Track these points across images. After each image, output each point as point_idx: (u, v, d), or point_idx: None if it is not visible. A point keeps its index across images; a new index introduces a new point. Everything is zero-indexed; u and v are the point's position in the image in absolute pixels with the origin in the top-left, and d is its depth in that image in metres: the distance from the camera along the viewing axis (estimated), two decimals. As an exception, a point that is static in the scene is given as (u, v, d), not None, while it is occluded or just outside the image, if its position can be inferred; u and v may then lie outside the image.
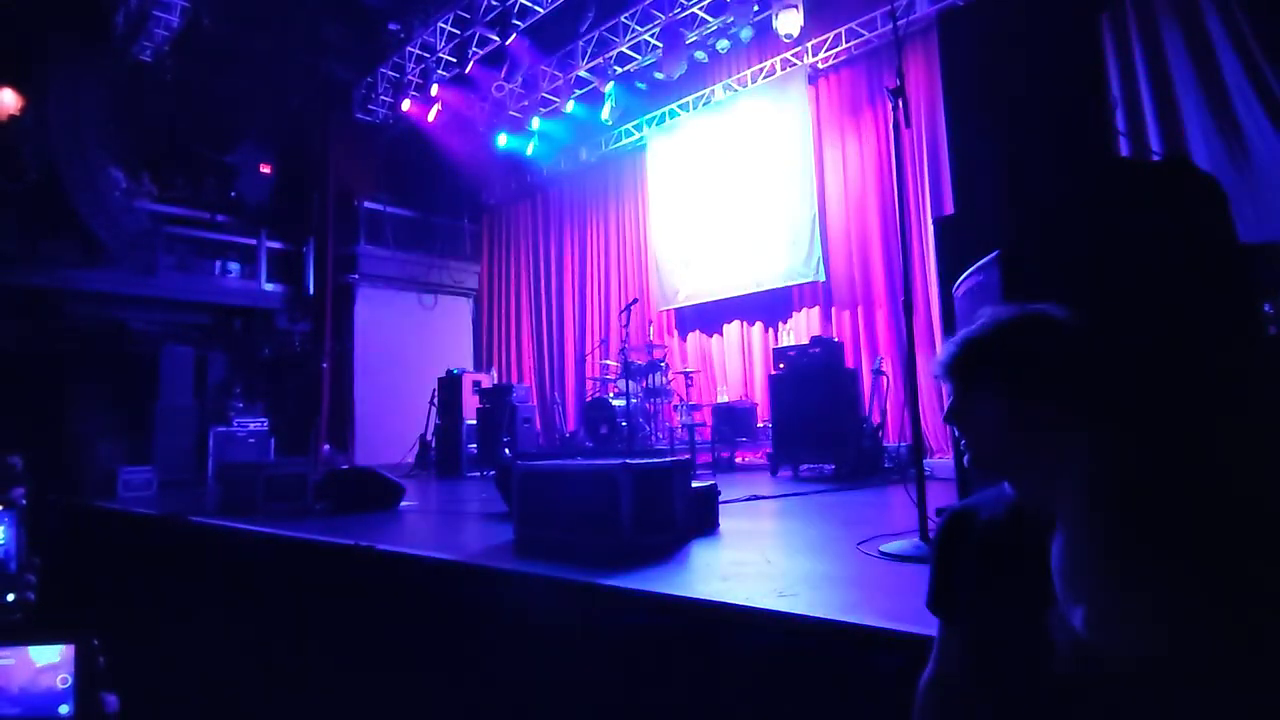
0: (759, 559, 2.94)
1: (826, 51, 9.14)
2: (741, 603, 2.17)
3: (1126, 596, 0.98)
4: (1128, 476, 1.07)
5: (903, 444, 7.08)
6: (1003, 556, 1.16)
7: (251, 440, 9.82)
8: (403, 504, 5.45)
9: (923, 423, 6.60)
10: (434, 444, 9.45)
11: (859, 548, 3.04)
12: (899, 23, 3.67)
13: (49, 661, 1.15)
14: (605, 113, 10.55)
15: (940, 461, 6.51)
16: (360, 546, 3.44)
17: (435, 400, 9.46)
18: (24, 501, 1.37)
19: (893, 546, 2.92)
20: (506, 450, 8.20)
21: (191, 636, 3.83)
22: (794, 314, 9.39)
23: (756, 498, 5.07)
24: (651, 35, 9.71)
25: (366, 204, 12.67)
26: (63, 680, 1.14)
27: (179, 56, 10.53)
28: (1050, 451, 1.12)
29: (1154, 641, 0.96)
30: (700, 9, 9.20)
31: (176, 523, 5.00)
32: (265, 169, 12.33)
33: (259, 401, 10.95)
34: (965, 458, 1.22)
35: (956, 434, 1.23)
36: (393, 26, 10.75)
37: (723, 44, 9.57)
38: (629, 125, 11.36)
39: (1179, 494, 1.02)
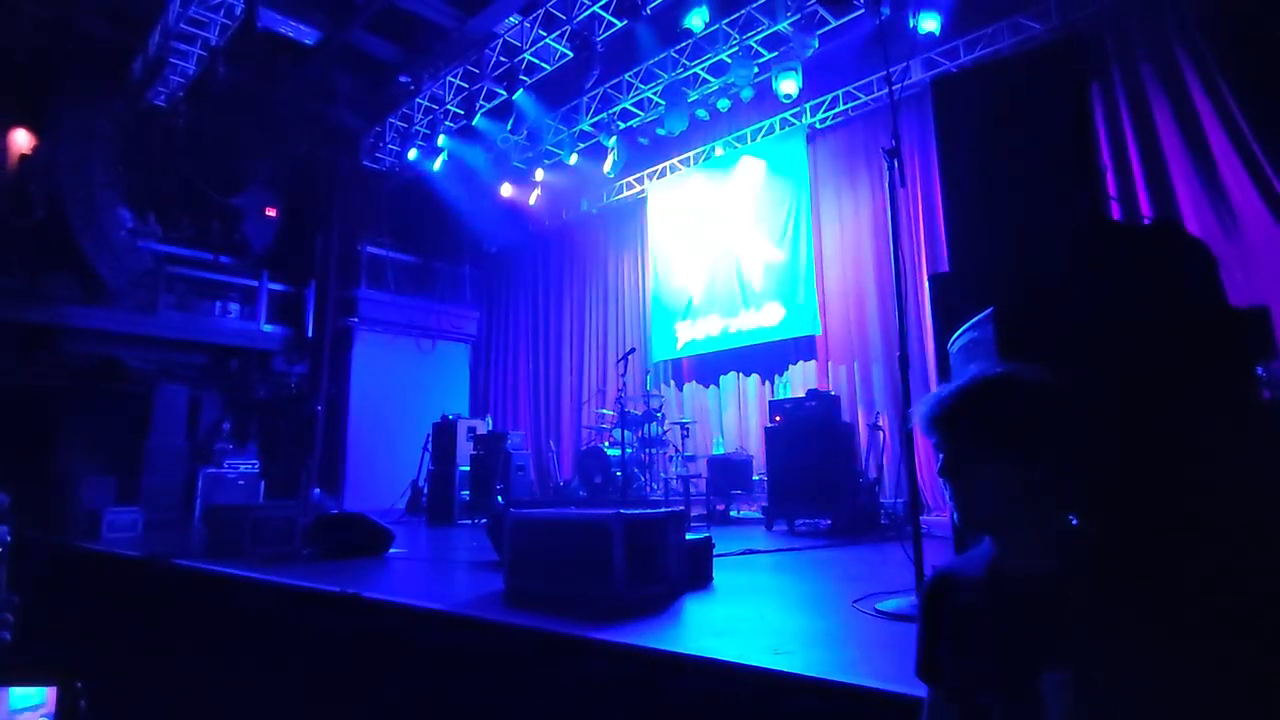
0: (754, 614, 2.89)
1: (824, 112, 9.40)
2: (736, 660, 2.13)
3: (1110, 674, 0.98)
4: (1112, 551, 1.07)
5: (899, 500, 7.02)
6: (981, 619, 1.14)
7: (241, 482, 9.73)
8: (392, 551, 5.36)
9: (920, 479, 6.56)
10: (426, 490, 9.35)
11: (855, 605, 2.99)
12: (894, 87, 3.79)
13: (28, 704, 1.10)
14: (607, 165, 10.77)
15: (937, 519, 6.45)
16: (346, 594, 3.37)
17: (429, 446, 9.39)
18: (9, 539, 1.35)
19: (889, 605, 2.87)
20: (499, 498, 8.12)
21: (173, 682, 3.72)
22: (790, 366, 9.42)
23: (751, 552, 5.00)
24: (654, 93, 9.98)
25: (369, 248, 12.82)
26: None
27: (193, 102, 10.78)
28: (1036, 515, 1.11)
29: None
30: (702, 69, 9.49)
31: (159, 565, 4.90)
32: (271, 212, 12.50)
33: (251, 443, 10.88)
34: (955, 515, 1.21)
35: (949, 491, 1.22)
36: (403, 79, 11.04)
37: (723, 103, 9.84)
38: (630, 178, 11.58)
39: (1164, 572, 1.02)
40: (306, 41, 10.54)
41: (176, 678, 3.76)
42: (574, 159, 11.07)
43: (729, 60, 9.03)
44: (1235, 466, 1.92)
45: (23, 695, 1.12)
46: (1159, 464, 1.95)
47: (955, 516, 1.20)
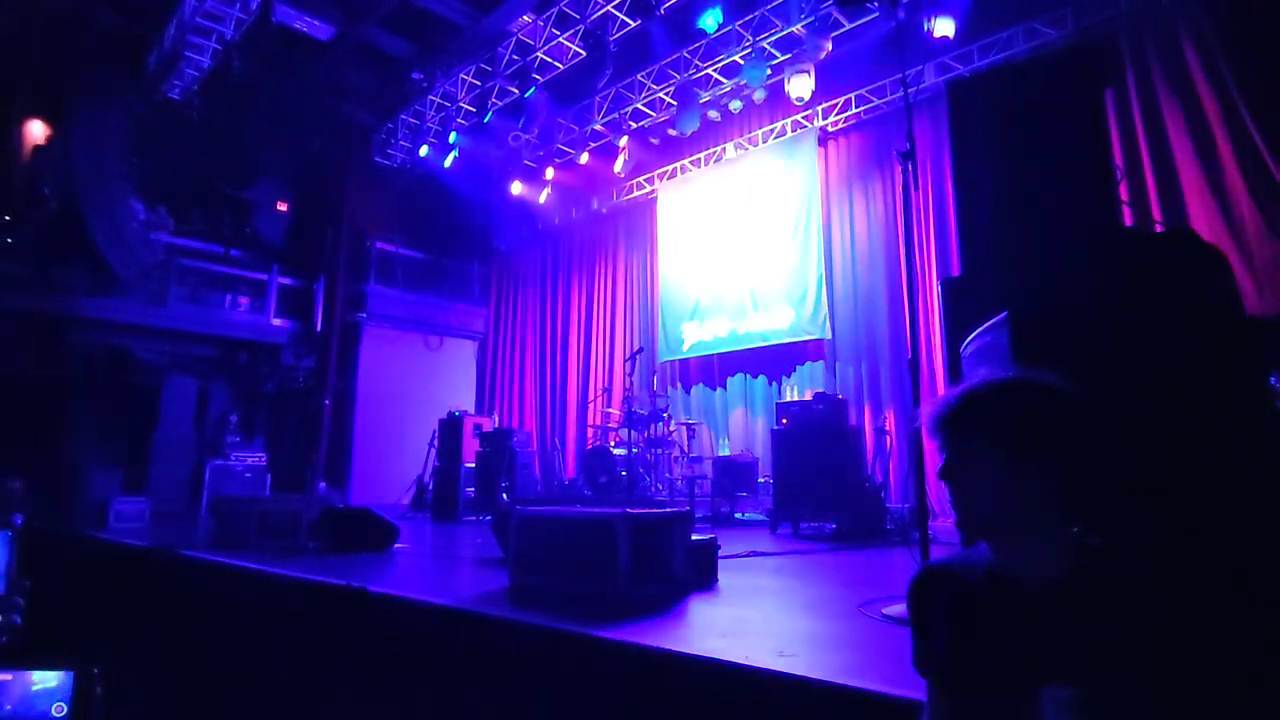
0: (759, 616, 2.88)
1: (836, 115, 9.38)
2: (741, 661, 2.12)
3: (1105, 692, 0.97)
4: (1110, 565, 1.06)
5: (905, 505, 6.99)
6: (978, 624, 1.14)
7: (248, 474, 9.77)
8: (397, 546, 5.37)
9: (927, 485, 6.51)
10: (431, 486, 9.36)
11: (861, 609, 2.97)
12: (909, 90, 3.77)
13: (46, 686, 1.15)
14: (618, 165, 10.77)
15: (944, 525, 6.41)
16: (352, 587, 3.38)
17: (435, 442, 9.41)
18: (20, 522, 1.37)
19: (895, 610, 2.85)
20: (504, 495, 8.13)
21: (178, 672, 3.74)
22: (797, 369, 9.40)
23: (756, 554, 4.98)
24: (666, 93, 9.98)
25: (379, 244, 12.87)
26: (58, 709, 1.14)
27: (207, 96, 10.84)
28: (1038, 521, 1.10)
29: None
30: (714, 70, 9.48)
31: (165, 556, 4.92)
32: (282, 206, 12.55)
33: (258, 435, 10.92)
34: (954, 518, 1.20)
35: (949, 493, 1.21)
36: (416, 76, 11.07)
37: (735, 104, 9.82)
38: (641, 178, 11.58)
39: (1169, 584, 1.01)
40: (321, 37, 10.59)
41: (182, 667, 3.78)
42: (585, 158, 11.08)
43: (742, 61, 9.02)
44: (1245, 477, 1.90)
45: (42, 679, 1.16)
46: (1169, 473, 1.93)
47: (955, 518, 1.20)
